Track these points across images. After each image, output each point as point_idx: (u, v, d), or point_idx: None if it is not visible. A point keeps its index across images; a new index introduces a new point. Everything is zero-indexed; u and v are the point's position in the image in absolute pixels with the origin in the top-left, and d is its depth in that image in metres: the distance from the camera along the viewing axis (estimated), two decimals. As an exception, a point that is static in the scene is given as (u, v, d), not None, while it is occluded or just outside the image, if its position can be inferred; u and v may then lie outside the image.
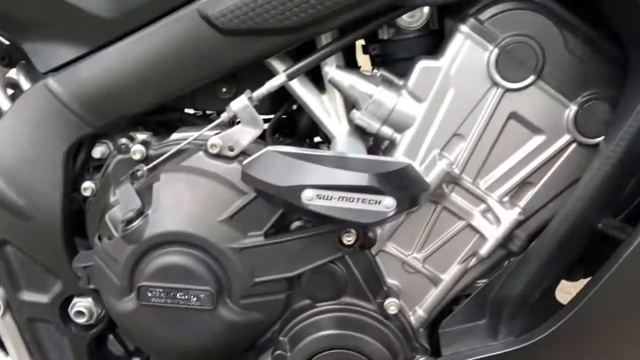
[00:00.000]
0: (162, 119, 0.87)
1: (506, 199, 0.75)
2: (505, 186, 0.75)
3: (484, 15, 0.69)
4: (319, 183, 0.61)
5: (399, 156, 0.74)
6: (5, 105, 0.85)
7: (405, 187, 0.63)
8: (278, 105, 0.85)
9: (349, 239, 0.73)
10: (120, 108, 0.79)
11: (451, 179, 0.74)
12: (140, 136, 0.82)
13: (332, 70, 0.75)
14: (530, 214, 0.76)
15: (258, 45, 0.73)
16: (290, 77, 0.75)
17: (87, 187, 0.84)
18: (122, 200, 0.76)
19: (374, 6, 0.69)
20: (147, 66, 0.75)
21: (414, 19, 0.75)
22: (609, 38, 0.70)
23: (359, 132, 0.80)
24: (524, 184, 0.75)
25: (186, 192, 0.74)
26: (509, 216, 0.74)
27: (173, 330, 0.76)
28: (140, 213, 0.74)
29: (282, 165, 0.64)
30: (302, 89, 0.79)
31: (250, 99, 0.75)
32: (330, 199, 0.62)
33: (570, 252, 0.71)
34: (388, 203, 0.62)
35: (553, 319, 0.70)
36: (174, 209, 0.74)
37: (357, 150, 0.75)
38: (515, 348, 0.72)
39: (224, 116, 0.76)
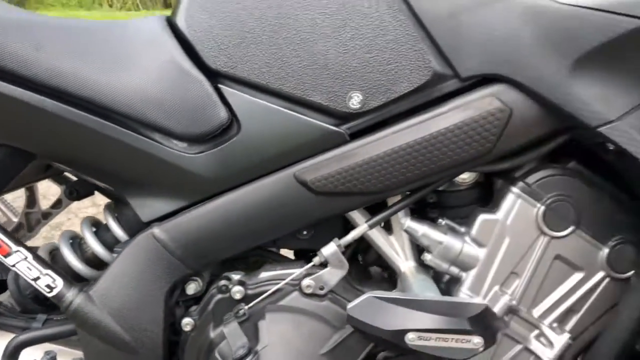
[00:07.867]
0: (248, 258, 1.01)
1: (555, 324, 0.90)
2: (554, 314, 0.90)
3: (530, 179, 0.87)
4: (420, 327, 0.75)
5: (465, 291, 0.89)
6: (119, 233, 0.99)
7: (488, 326, 0.77)
8: None
9: (431, 366, 0.87)
10: (218, 253, 0.93)
11: (511, 310, 0.89)
12: (235, 276, 0.96)
13: (407, 220, 0.91)
14: (575, 336, 0.91)
15: (344, 203, 0.88)
16: (371, 226, 0.91)
17: (187, 322, 0.96)
18: (230, 337, 0.88)
19: (446, 176, 0.86)
20: (245, 219, 0.89)
21: (467, 177, 0.92)
22: (630, 194, 0.89)
23: (423, 266, 0.95)
24: (569, 311, 0.90)
25: (292, 330, 0.86)
26: (561, 340, 0.88)
27: None
28: (249, 350, 0.86)
29: (385, 311, 0.78)
30: (376, 234, 0.95)
31: (339, 246, 0.90)
32: (429, 340, 0.75)
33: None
34: (477, 341, 0.76)
35: None
36: (282, 346, 0.86)
37: (430, 287, 0.89)
38: None
39: (316, 260, 0.91)
